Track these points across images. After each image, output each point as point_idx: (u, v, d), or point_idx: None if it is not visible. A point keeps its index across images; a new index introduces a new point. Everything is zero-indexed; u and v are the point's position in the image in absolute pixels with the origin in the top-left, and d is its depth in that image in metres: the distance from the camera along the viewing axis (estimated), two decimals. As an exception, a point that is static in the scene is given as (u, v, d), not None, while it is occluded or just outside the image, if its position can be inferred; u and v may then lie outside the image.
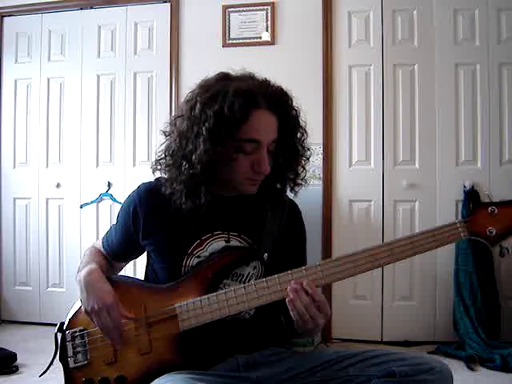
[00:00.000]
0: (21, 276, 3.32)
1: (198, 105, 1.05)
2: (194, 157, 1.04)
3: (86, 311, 1.08)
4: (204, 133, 1.02)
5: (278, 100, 1.08)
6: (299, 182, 1.17)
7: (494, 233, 1.01)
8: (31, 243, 3.31)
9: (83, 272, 1.13)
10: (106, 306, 1.05)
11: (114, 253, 1.25)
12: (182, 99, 1.14)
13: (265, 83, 1.09)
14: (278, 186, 1.17)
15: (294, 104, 1.12)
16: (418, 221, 2.83)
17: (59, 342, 1.12)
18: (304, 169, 1.17)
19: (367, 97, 2.89)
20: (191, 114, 1.06)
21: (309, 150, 1.17)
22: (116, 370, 1.06)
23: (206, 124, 1.02)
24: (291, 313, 0.99)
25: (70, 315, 1.14)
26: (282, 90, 1.11)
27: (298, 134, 1.14)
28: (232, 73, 1.12)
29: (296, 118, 1.13)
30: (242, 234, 1.14)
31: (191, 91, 1.11)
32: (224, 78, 1.10)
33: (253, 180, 1.10)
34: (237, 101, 1.01)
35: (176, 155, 1.08)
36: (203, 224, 1.12)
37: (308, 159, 1.18)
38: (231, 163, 1.07)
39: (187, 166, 1.05)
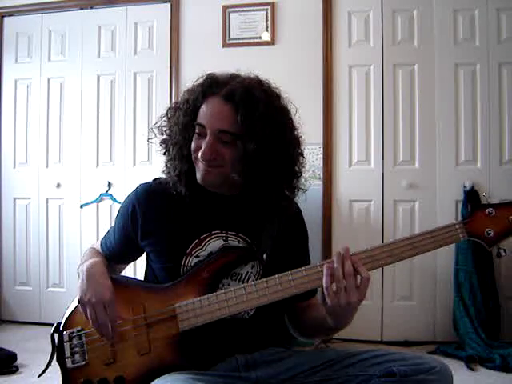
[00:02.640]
0: (21, 276, 3.32)
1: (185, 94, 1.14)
2: (176, 142, 1.11)
3: (81, 301, 1.08)
4: (174, 120, 1.12)
5: (236, 91, 1.03)
6: (295, 183, 1.13)
7: (491, 234, 1.01)
8: (31, 243, 3.31)
9: (87, 263, 1.14)
10: (104, 300, 1.05)
11: (113, 255, 1.24)
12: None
13: (234, 76, 1.11)
14: (278, 192, 1.11)
15: (263, 101, 1.04)
16: (418, 221, 2.83)
17: (56, 342, 1.11)
18: (297, 166, 1.11)
19: (367, 97, 2.89)
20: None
21: (291, 144, 1.09)
22: (115, 370, 1.05)
23: (177, 112, 1.12)
24: (324, 285, 0.97)
25: (67, 315, 1.13)
26: (249, 83, 1.07)
27: (269, 130, 1.04)
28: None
29: (264, 115, 1.03)
30: (239, 233, 1.14)
31: None
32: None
33: (197, 165, 1.09)
34: (197, 88, 1.09)
35: (169, 141, 1.15)
36: (201, 223, 1.13)
37: (297, 153, 1.11)
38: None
39: (174, 149, 1.12)
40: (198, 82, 1.12)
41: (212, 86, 1.08)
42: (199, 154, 1.06)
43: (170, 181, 1.14)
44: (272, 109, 1.06)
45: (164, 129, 1.16)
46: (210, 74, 1.12)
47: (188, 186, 1.12)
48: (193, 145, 1.09)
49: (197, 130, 1.08)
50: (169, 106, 1.17)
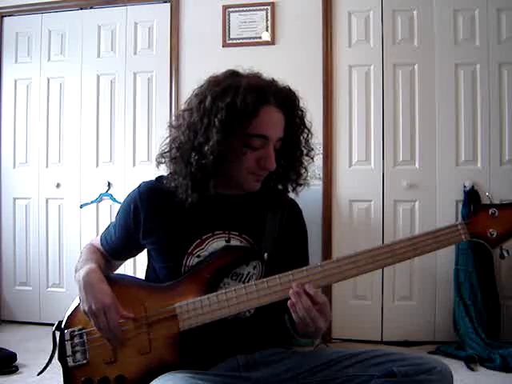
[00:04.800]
0: (21, 276, 3.32)
1: (209, 98, 1.06)
2: (205, 148, 1.04)
3: (84, 311, 1.08)
4: (216, 124, 1.03)
5: (285, 98, 1.10)
6: (301, 182, 1.19)
7: (495, 235, 1.01)
8: (31, 243, 3.30)
9: (82, 272, 1.12)
10: (104, 307, 1.05)
11: (113, 251, 1.24)
12: (183, 98, 1.16)
13: (273, 81, 1.12)
14: (280, 186, 1.18)
15: (300, 104, 1.13)
16: (418, 221, 2.83)
17: (57, 340, 1.11)
18: (306, 169, 1.20)
19: (367, 97, 2.89)
20: (201, 106, 1.07)
21: (313, 150, 1.20)
22: (116, 369, 1.06)
23: (218, 116, 1.03)
24: (293, 315, 0.99)
25: (68, 314, 1.13)
26: (289, 89, 1.13)
27: (303, 135, 1.16)
28: (241, 70, 1.13)
29: (302, 117, 1.14)
30: (242, 234, 1.14)
31: (199, 86, 1.12)
32: (233, 74, 1.11)
33: (257, 175, 1.10)
34: (249, 95, 1.03)
35: (184, 147, 1.08)
36: (204, 223, 1.12)
37: (312, 159, 1.21)
38: (238, 158, 1.07)
39: (197, 157, 1.06)
40: (240, 89, 1.04)
41: (263, 95, 1.05)
42: (268, 166, 1.07)
43: (181, 191, 1.09)
44: (304, 112, 1.15)
45: (189, 136, 1.07)
46: (249, 80, 1.08)
47: (202, 193, 1.09)
48: (251, 156, 1.07)
49: (255, 143, 1.06)
50: (195, 111, 1.08)
